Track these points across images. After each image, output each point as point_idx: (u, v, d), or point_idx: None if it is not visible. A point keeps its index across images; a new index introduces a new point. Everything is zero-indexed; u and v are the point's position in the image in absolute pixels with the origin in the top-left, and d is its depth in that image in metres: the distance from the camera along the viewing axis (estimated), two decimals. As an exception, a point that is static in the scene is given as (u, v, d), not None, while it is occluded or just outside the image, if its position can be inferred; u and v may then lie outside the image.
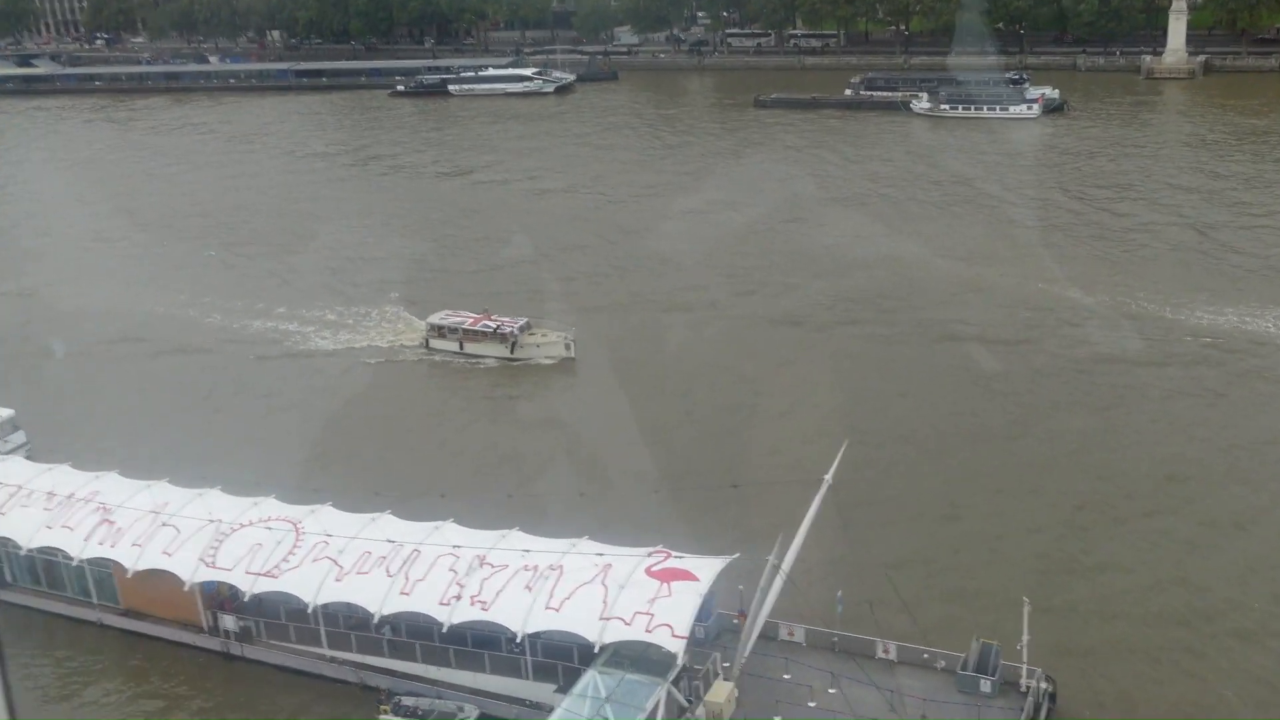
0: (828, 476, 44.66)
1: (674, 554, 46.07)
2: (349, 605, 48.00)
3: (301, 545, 49.78)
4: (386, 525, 50.73)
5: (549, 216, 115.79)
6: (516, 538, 48.64)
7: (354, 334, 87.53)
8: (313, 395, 77.28)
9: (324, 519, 51.47)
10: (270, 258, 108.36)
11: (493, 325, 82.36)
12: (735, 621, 46.46)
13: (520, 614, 44.55)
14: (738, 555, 45.68)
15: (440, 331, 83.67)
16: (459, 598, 45.80)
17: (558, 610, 44.34)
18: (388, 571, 47.62)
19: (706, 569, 45.07)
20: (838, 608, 45.63)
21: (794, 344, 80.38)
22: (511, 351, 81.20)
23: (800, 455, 59.07)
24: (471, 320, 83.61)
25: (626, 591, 44.18)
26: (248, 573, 49.25)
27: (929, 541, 55.29)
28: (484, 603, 45.34)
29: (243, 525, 51.48)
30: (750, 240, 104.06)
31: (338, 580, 47.93)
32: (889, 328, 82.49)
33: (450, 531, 49.64)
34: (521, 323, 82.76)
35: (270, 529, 50.73)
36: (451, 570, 46.91)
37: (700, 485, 56.74)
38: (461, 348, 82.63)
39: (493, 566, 46.68)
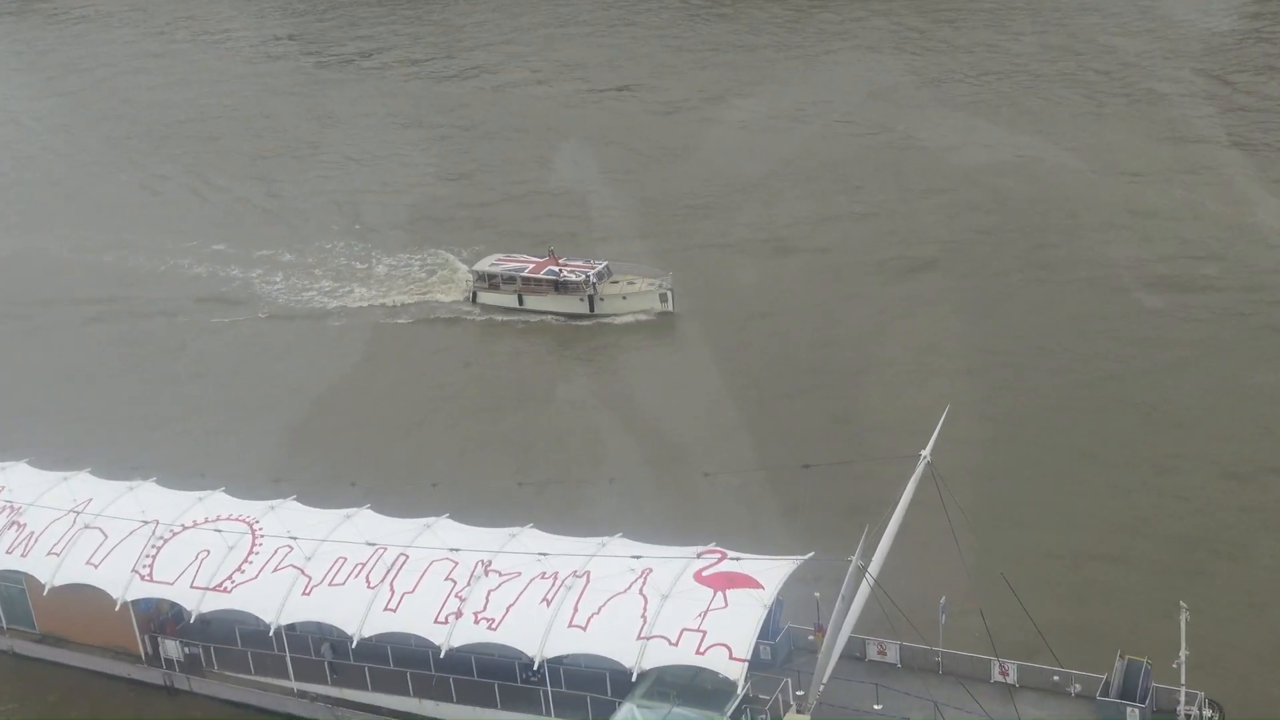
0: (925, 452, 44.17)
1: (730, 554, 45.95)
2: (320, 626, 48.08)
3: (259, 551, 49.87)
4: (366, 523, 50.79)
5: (594, 129, 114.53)
6: (530, 537, 48.71)
7: (373, 287, 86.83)
8: (298, 367, 77.70)
9: (288, 517, 51.59)
10: (251, 183, 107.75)
11: (562, 272, 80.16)
12: (811, 639, 46.30)
13: (537, 634, 44.52)
14: (812, 554, 45.58)
15: (491, 282, 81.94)
16: (459, 614, 45.79)
17: (584, 629, 44.30)
18: (368, 582, 47.68)
19: (772, 572, 44.94)
20: (941, 618, 45.41)
21: (910, 288, 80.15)
22: (590, 307, 79.56)
23: (902, 427, 58.88)
24: (534, 266, 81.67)
25: (671, 603, 44.09)
26: (193, 587, 49.33)
27: (1054, 533, 54.81)
28: (491, 620, 45.35)
29: (186, 527, 51.54)
30: (847, 152, 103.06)
31: (306, 594, 48.01)
32: (1023, 265, 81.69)
33: (446, 530, 49.68)
34: (600, 267, 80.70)
35: (220, 531, 50.84)
36: (449, 580, 46.89)
37: (766, 466, 56.78)
38: (521, 302, 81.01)
39: (501, 574, 46.64)
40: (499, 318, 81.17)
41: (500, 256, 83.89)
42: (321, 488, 55.56)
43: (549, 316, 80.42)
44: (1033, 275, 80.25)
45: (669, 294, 78.33)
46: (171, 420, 71.10)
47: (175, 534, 51.14)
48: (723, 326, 77.15)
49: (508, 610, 45.32)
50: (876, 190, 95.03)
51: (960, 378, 68.07)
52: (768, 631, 45.06)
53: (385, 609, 46.62)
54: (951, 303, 77.59)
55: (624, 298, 79.32)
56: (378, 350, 78.58)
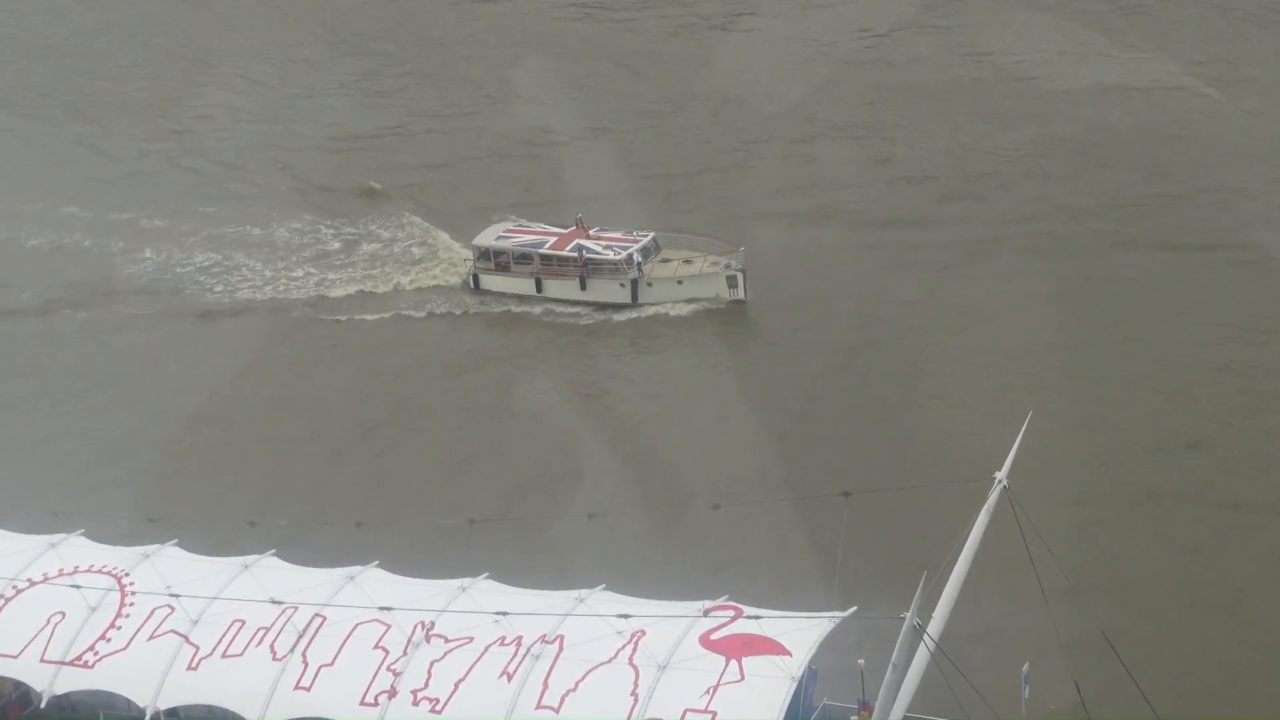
0: (1000, 474, 42.43)
1: (748, 611, 44.50)
2: (211, 709, 46.37)
3: (131, 612, 47.87)
4: (270, 576, 48.96)
5: (583, 49, 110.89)
6: (486, 590, 47.13)
7: (334, 270, 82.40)
8: (182, 375, 74.36)
9: (167, 568, 49.52)
10: (157, 133, 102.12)
11: (595, 247, 76.44)
12: None
13: (495, 719, 42.93)
14: (853, 611, 43.94)
15: (499, 260, 77.93)
16: (393, 694, 43.99)
17: (556, 711, 42.60)
18: (274, 652, 45.79)
19: (802, 635, 43.25)
20: (1024, 691, 43.47)
21: (993, 265, 78.09)
22: (633, 295, 75.62)
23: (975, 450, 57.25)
24: (556, 239, 78.13)
25: (671, 676, 42.43)
26: (44, 661, 47.25)
27: (1170, 585, 53.30)
28: (434, 701, 43.58)
29: (33, 582, 49.50)
30: (908, 78, 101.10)
31: (192, 668, 46.07)
32: (1139, 237, 78.98)
33: (376, 584, 47.97)
34: (645, 240, 77.29)
35: (79, 587, 48.72)
36: (380, 648, 45.08)
37: (793, 495, 55.38)
38: (539, 288, 77.19)
39: (447, 640, 44.89)
40: (513, 309, 76.86)
41: (511, 227, 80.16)
42: (211, 529, 54.03)
43: (578, 308, 76.54)
44: (1156, 257, 77.46)
45: (740, 276, 74.20)
46: (12, 445, 68.49)
47: (19, 591, 48.93)
48: (816, 323, 73.53)
49: (456, 687, 43.44)
50: (946, 129, 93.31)
51: (1048, 392, 66.04)
52: (799, 709, 43.18)
53: (296, 687, 44.62)
54: (1051, 287, 75.39)
55: (679, 281, 75.37)
56: (305, 353, 75.79)
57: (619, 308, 76.15)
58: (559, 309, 76.78)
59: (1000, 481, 41.83)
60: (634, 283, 75.35)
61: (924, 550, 43.77)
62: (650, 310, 75.53)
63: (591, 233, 77.48)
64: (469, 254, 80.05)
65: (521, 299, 77.41)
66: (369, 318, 77.37)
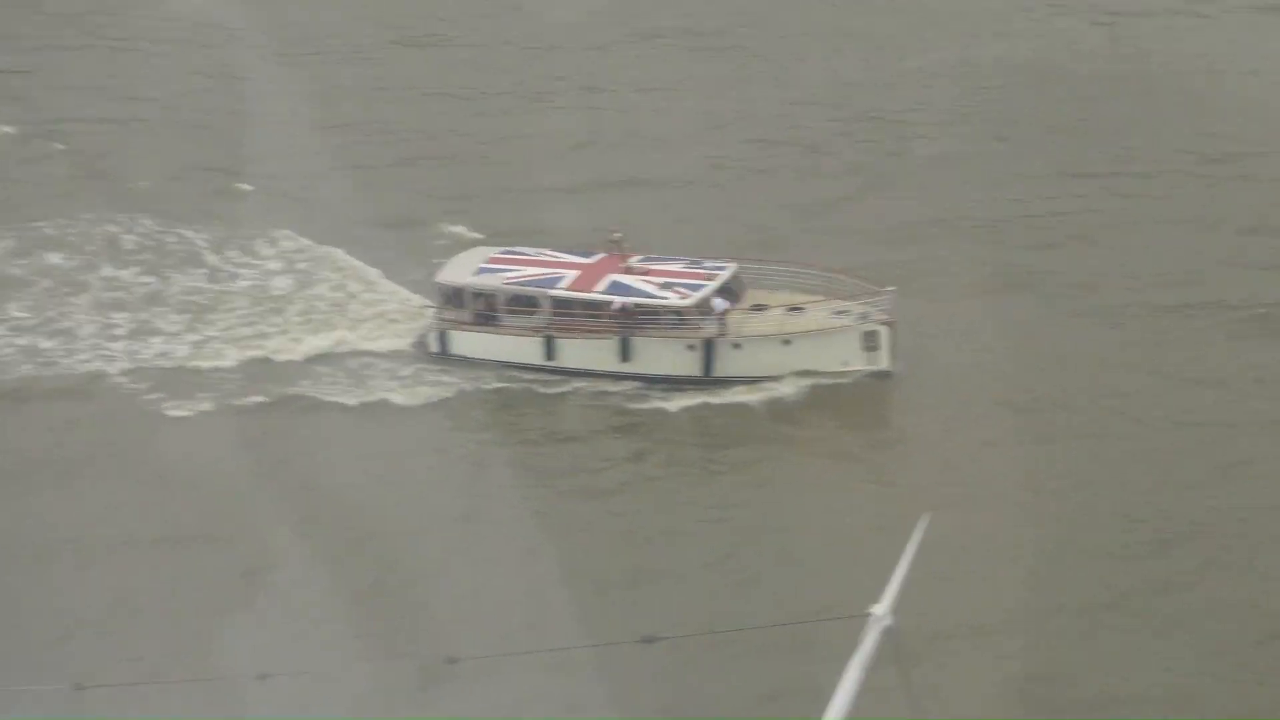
0: (877, 609, 33.19)
1: None
2: None
3: None
4: None
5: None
6: None
7: (216, 329, 57.54)
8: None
9: None
10: None
11: (644, 286, 52.82)
12: None
13: None
14: None
15: (483, 307, 53.95)
16: None
17: None
18: None
19: None
20: None
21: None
22: (706, 363, 52.40)
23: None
24: (577, 274, 53.86)
25: None
26: None
27: None
28: None
29: None
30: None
31: None
32: None
33: None
34: (724, 274, 53.01)
35: None
36: None
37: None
38: (549, 353, 53.37)
39: None
40: (503, 385, 52.68)
41: (499, 254, 55.54)
42: None
43: (617, 385, 52.33)
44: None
45: (881, 334, 51.26)
46: None
47: None
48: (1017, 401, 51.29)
49: None
50: (1124, 153, 68.13)
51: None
52: None
53: None
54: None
55: (785, 341, 51.81)
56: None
57: (683, 384, 52.00)
58: (581, 388, 52.60)
59: (877, 617, 34.20)
60: (709, 344, 51.58)
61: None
62: (735, 390, 51.61)
63: (635, 263, 53.40)
64: (430, 298, 55.73)
65: (518, 370, 53.08)
66: (249, 403, 53.04)
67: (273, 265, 60.79)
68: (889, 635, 31.24)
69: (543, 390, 53.06)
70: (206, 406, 53.00)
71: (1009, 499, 46.59)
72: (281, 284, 59.39)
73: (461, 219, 63.09)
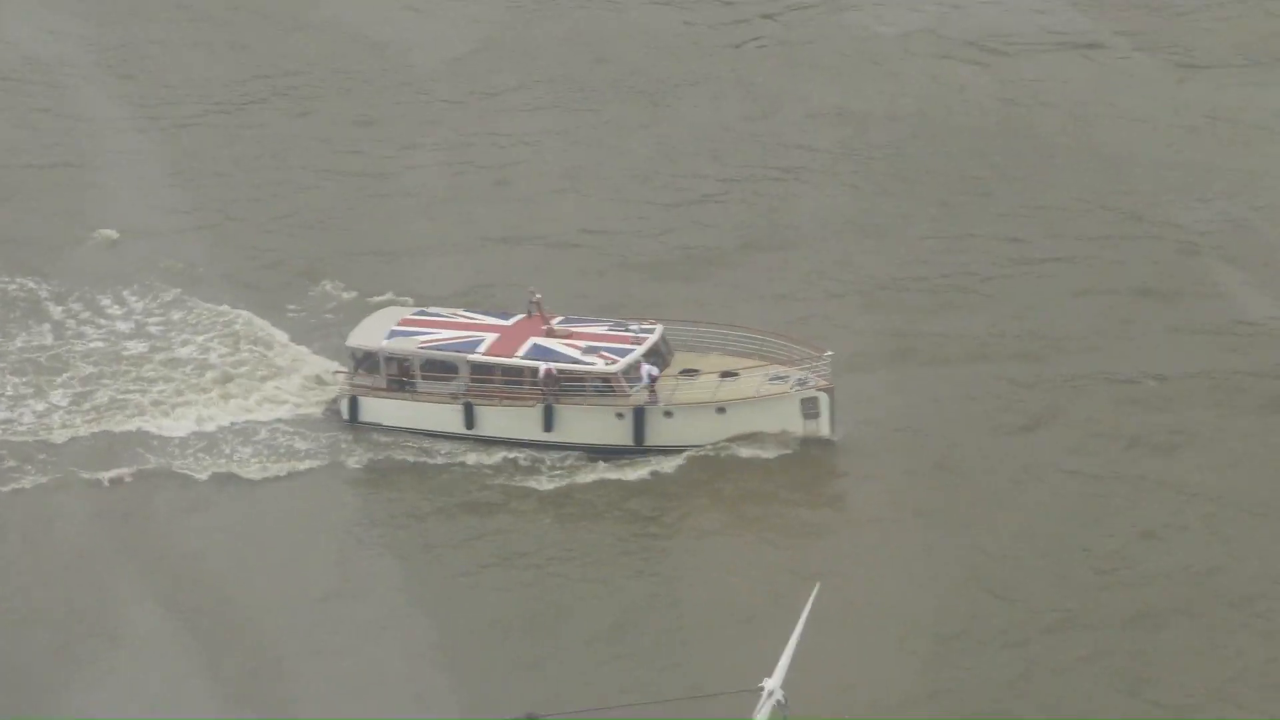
0: (769, 682, 31.17)
1: None
2: None
3: None
4: None
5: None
6: None
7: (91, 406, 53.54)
8: None
9: None
10: None
11: (568, 350, 50.54)
12: None
13: None
14: None
15: (397, 372, 51.52)
16: None
17: None
18: None
19: None
20: None
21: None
22: (637, 432, 50.04)
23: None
24: (496, 337, 51.66)
25: None
26: None
27: None
28: None
29: None
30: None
31: None
32: None
33: None
34: (651, 337, 50.80)
35: None
36: None
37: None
38: (470, 420, 50.98)
39: None
40: (413, 459, 50.11)
41: (411, 315, 53.46)
42: None
43: (541, 454, 50.00)
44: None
45: (821, 400, 49.21)
46: None
47: None
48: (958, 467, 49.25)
49: None
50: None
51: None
52: None
53: None
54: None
55: (720, 410, 49.59)
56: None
57: (611, 455, 49.95)
58: (500, 458, 49.97)
59: (769, 693, 31.84)
60: (640, 412, 49.48)
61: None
62: (667, 459, 49.26)
63: (556, 325, 51.41)
64: (340, 364, 53.49)
65: (431, 440, 50.74)
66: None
67: (122, 326, 57.48)
68: (780, 709, 29.57)
69: (458, 460, 50.80)
70: (61, 476, 50.64)
71: (908, 569, 45.12)
72: (136, 346, 56.22)
73: (326, 274, 60.84)
